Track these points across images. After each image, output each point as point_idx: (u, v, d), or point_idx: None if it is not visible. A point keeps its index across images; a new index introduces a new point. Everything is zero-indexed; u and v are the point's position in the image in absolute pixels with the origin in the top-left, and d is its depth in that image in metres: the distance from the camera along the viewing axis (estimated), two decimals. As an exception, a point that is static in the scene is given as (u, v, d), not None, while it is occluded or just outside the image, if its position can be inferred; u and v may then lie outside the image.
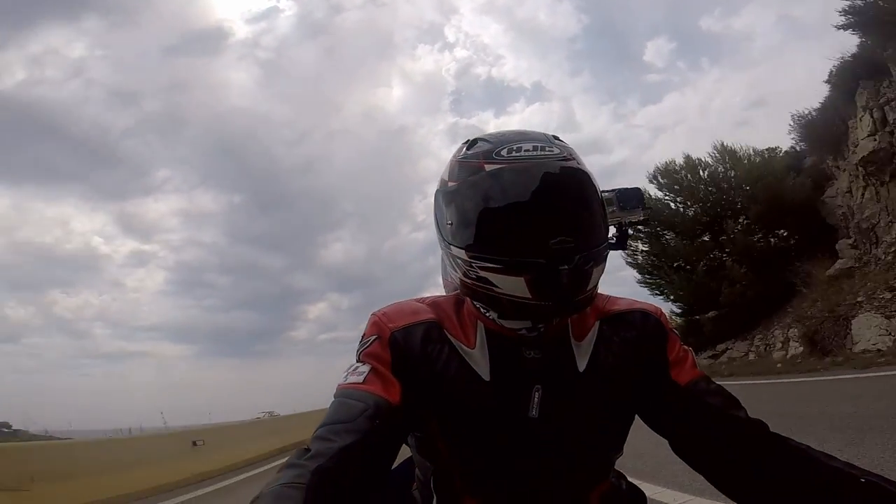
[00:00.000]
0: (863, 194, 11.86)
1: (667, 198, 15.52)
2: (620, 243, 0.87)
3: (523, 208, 0.70)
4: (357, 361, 0.76)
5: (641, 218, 0.95)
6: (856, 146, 11.68)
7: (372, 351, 0.76)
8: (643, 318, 0.83)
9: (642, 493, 0.95)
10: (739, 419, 0.75)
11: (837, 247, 12.43)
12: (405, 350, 0.76)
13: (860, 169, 11.68)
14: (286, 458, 0.64)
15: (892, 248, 10.72)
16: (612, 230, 0.90)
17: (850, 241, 12.24)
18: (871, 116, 11.10)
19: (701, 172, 15.13)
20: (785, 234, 14.34)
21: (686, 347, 0.84)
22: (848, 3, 11.30)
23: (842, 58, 12.22)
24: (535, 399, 0.75)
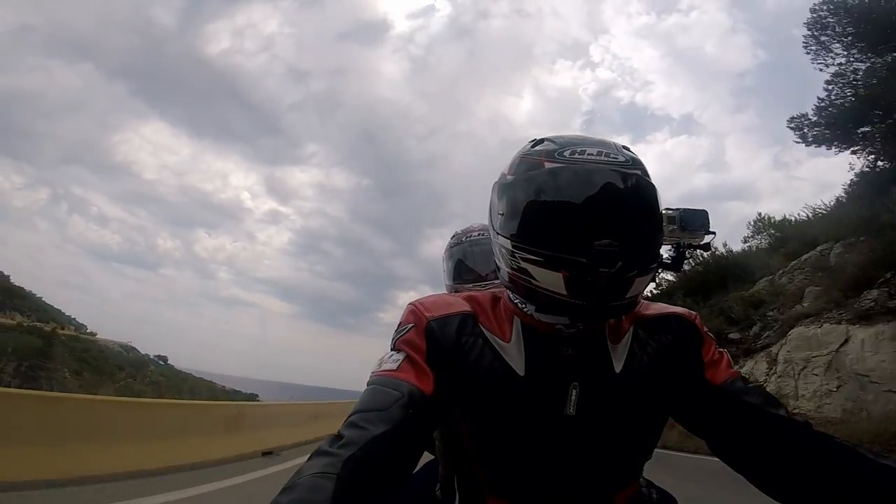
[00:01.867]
0: None
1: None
2: (675, 264, 0.84)
3: (574, 206, 0.70)
4: (392, 349, 0.76)
5: (704, 242, 0.88)
6: None
7: (408, 339, 0.76)
8: (678, 322, 0.81)
9: (673, 499, 0.90)
10: (781, 418, 0.71)
11: None
12: (441, 340, 0.76)
13: None
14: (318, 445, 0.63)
15: None
16: (669, 250, 0.87)
17: None
18: None
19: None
20: None
21: (721, 350, 0.80)
22: None
23: None
24: (573, 396, 0.73)
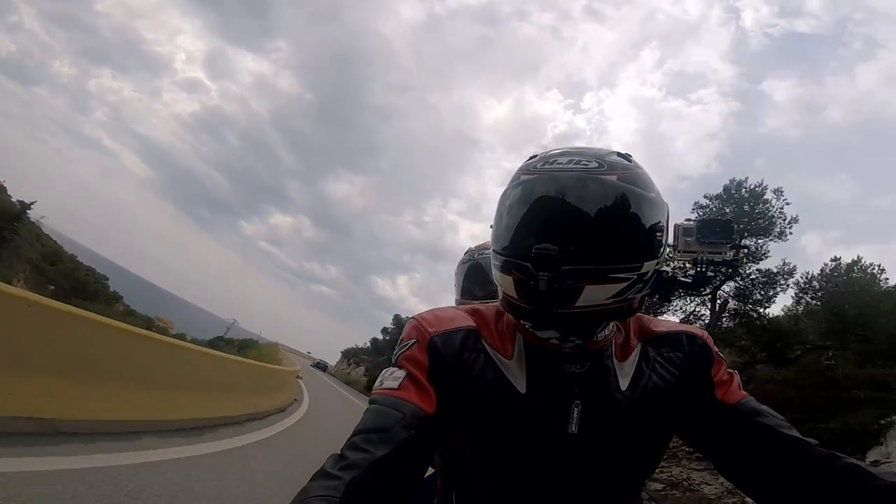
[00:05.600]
0: None
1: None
2: (696, 283, 0.78)
3: (521, 213, 0.72)
4: (394, 365, 0.75)
5: (728, 258, 0.80)
6: None
7: (410, 355, 0.75)
8: (689, 341, 0.81)
9: None
10: (793, 439, 0.72)
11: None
12: (443, 356, 0.75)
13: None
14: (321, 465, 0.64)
15: None
16: (689, 268, 0.81)
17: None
18: None
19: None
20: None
21: (731, 371, 0.80)
22: None
23: None
24: (575, 415, 0.73)
